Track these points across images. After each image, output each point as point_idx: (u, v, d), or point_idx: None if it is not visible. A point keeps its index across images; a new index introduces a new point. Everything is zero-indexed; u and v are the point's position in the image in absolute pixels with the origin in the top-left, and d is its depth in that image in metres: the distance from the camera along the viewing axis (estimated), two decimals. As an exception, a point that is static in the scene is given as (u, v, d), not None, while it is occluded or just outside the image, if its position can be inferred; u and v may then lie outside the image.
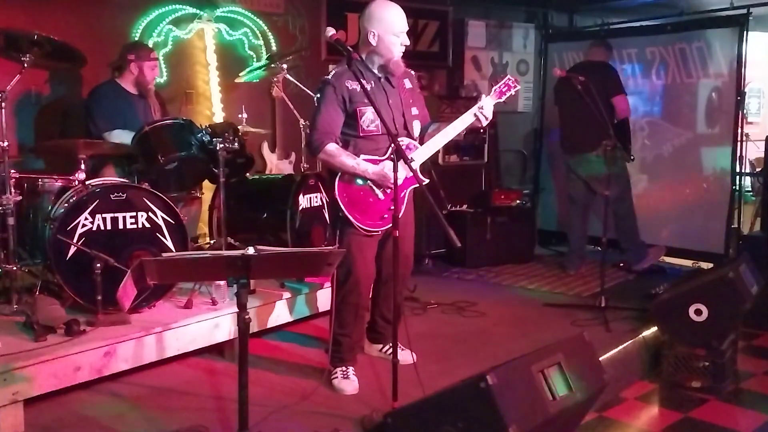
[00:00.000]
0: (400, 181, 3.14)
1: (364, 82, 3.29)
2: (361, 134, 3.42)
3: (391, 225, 3.19)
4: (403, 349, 3.55)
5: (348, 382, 3.50)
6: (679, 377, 3.98)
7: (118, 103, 4.46)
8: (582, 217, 5.95)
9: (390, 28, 3.39)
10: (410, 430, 2.56)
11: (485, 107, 3.50)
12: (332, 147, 3.37)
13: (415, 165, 3.37)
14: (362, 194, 3.41)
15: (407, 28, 3.45)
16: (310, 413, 3.21)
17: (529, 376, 2.45)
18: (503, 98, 3.59)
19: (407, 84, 3.59)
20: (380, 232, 3.47)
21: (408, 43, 3.46)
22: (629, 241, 5.84)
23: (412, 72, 3.69)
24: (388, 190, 3.37)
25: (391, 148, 3.22)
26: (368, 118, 3.39)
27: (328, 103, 3.39)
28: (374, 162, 3.40)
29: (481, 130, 3.61)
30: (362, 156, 3.40)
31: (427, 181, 3.39)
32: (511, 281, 5.74)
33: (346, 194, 3.40)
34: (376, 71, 3.47)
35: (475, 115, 3.48)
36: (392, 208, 3.23)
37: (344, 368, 3.56)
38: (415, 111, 3.57)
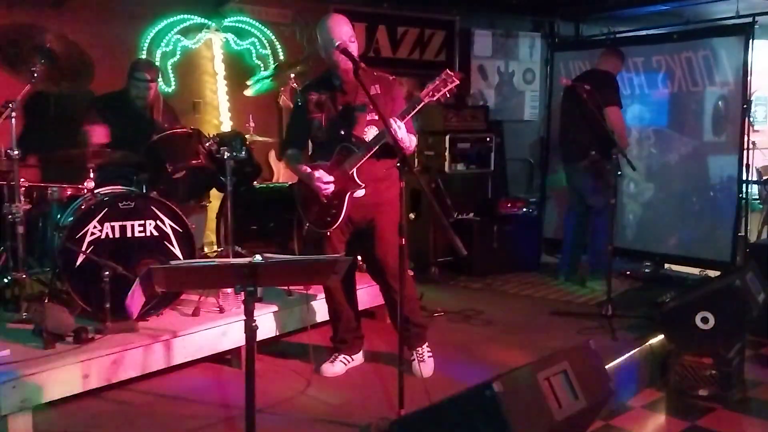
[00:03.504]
0: (332, 187, 3.45)
1: (312, 94, 3.57)
2: (314, 141, 3.65)
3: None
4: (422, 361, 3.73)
5: (327, 365, 3.77)
6: (686, 385, 3.96)
7: (119, 113, 4.47)
8: (576, 226, 5.86)
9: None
10: (416, 438, 2.56)
11: (396, 122, 3.26)
12: (290, 151, 3.70)
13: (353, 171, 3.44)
14: (307, 195, 3.59)
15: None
16: (315, 421, 3.22)
17: (535, 384, 2.45)
18: (435, 98, 3.46)
19: (375, 89, 3.48)
20: (329, 232, 3.56)
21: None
22: (597, 256, 5.61)
23: (389, 77, 3.67)
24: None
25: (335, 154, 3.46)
26: (314, 125, 3.57)
27: (293, 113, 3.74)
28: (318, 167, 3.51)
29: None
30: (319, 161, 3.57)
31: (362, 186, 3.45)
32: (517, 289, 5.74)
33: (300, 193, 3.67)
34: (334, 81, 3.57)
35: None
36: (333, 210, 3.49)
37: (336, 354, 3.80)
38: (373, 117, 3.46)
